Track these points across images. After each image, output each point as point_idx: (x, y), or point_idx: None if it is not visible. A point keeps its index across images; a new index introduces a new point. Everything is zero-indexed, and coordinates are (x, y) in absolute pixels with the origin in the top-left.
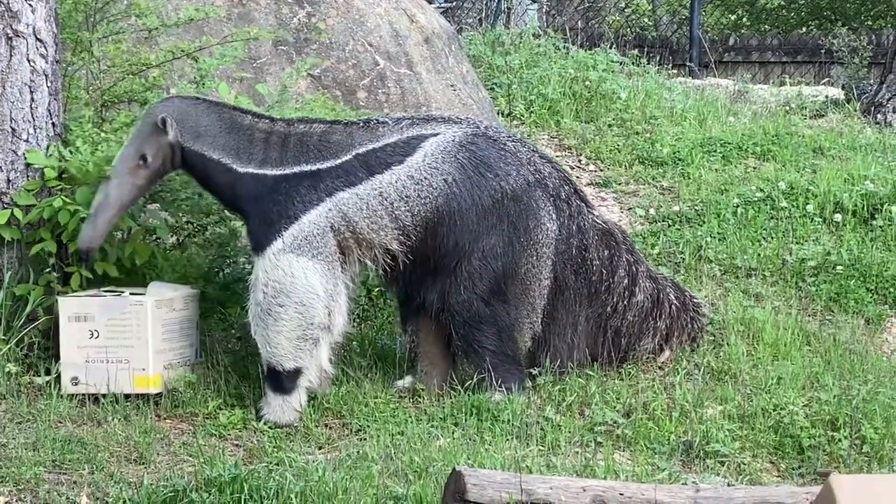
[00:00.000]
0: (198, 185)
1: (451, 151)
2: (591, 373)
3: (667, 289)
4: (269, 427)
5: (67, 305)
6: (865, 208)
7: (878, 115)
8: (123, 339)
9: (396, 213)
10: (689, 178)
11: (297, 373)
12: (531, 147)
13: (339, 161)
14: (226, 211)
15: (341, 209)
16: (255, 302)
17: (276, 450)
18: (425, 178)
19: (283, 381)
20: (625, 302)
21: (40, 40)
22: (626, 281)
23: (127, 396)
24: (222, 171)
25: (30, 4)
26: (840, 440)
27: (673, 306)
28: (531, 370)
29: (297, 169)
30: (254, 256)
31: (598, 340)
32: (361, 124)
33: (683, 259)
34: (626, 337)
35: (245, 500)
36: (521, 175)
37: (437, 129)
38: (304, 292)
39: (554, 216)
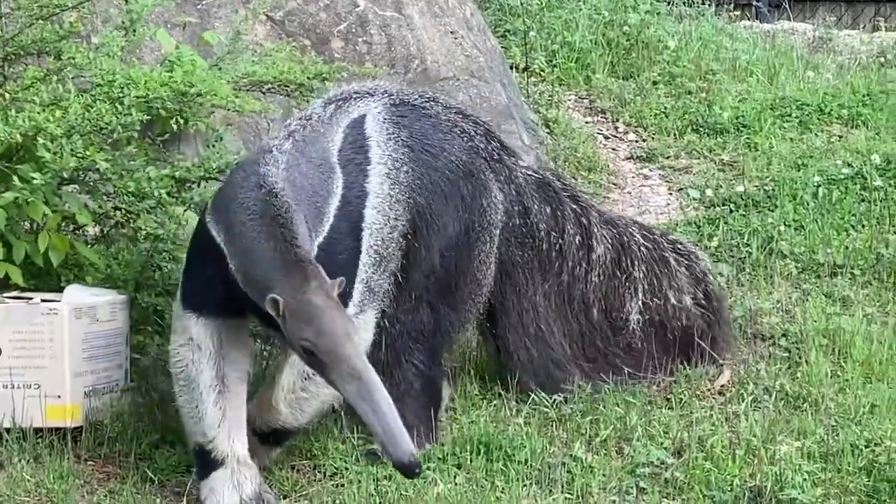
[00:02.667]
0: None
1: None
2: (631, 399)
3: (630, 229)
4: None
5: None
6: None
7: None
8: (33, 357)
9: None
10: (757, 151)
11: None
12: (444, 103)
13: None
14: (165, 194)
15: None
16: None
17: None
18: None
19: None
20: (584, 263)
21: None
22: (578, 237)
23: (38, 431)
24: None
25: None
26: None
27: (643, 248)
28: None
29: None
30: None
31: (568, 321)
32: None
33: (750, 254)
34: (599, 305)
35: None
36: (463, 144)
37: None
38: None
39: (497, 185)
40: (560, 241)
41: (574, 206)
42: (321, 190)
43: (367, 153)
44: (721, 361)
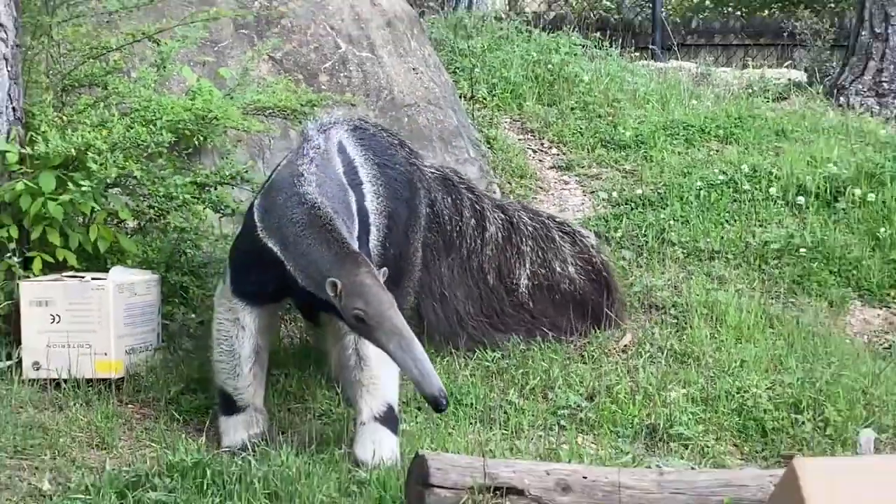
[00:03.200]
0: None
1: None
2: (554, 356)
3: (519, 213)
4: None
5: (29, 290)
6: (828, 191)
7: (841, 98)
8: (85, 323)
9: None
10: (652, 162)
11: None
12: (375, 123)
13: None
14: (188, 196)
15: None
16: None
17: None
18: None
19: None
20: (479, 240)
21: (0, 24)
22: (473, 220)
23: (89, 381)
24: None
25: None
26: (803, 423)
27: (530, 227)
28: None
29: None
30: None
31: (469, 287)
32: None
33: (647, 242)
34: (494, 273)
35: (207, 485)
36: (403, 155)
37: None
38: None
39: (420, 185)
40: (460, 223)
41: (470, 196)
42: (344, 206)
43: (358, 174)
44: (623, 326)
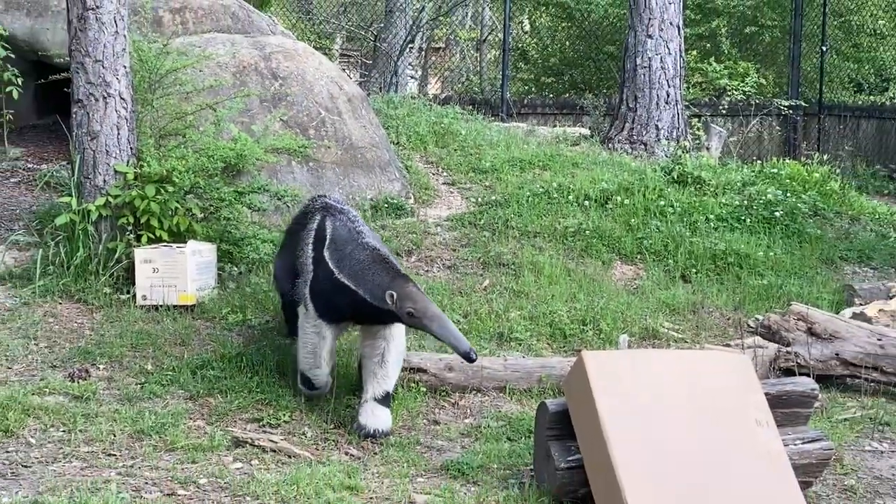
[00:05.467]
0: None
1: None
2: (444, 292)
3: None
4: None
5: (139, 254)
6: (602, 198)
7: (610, 145)
8: (172, 273)
9: None
10: (501, 181)
11: None
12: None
13: None
14: (232, 199)
15: None
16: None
17: (262, 336)
18: None
19: None
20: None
21: (123, 99)
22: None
23: (174, 306)
24: None
25: (117, 79)
26: (587, 331)
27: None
28: None
29: None
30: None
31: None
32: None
33: (498, 227)
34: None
35: (244, 367)
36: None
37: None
38: None
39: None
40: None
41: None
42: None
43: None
44: (485, 277)
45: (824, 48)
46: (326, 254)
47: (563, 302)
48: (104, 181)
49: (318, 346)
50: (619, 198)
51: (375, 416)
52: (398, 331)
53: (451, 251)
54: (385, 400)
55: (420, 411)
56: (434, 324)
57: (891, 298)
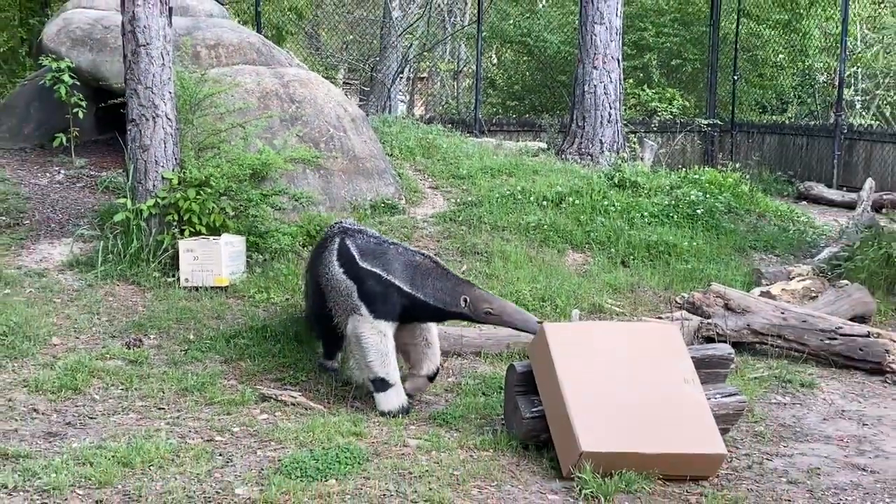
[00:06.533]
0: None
1: None
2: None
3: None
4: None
5: (182, 244)
6: (557, 199)
7: (563, 156)
8: (210, 260)
9: None
10: (475, 185)
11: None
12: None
13: None
14: (259, 200)
15: None
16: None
17: (283, 311)
18: None
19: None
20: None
21: (168, 119)
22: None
23: (211, 288)
24: None
25: (163, 102)
26: (546, 307)
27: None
28: None
29: None
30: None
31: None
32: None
33: (473, 222)
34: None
35: (269, 337)
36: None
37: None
38: None
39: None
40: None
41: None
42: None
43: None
44: (463, 263)
45: (735, 77)
46: (364, 263)
47: (526, 283)
48: (153, 185)
49: (381, 345)
50: (570, 199)
51: (415, 389)
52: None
53: (435, 242)
54: (433, 377)
55: None
56: (516, 318)
57: (791, 280)
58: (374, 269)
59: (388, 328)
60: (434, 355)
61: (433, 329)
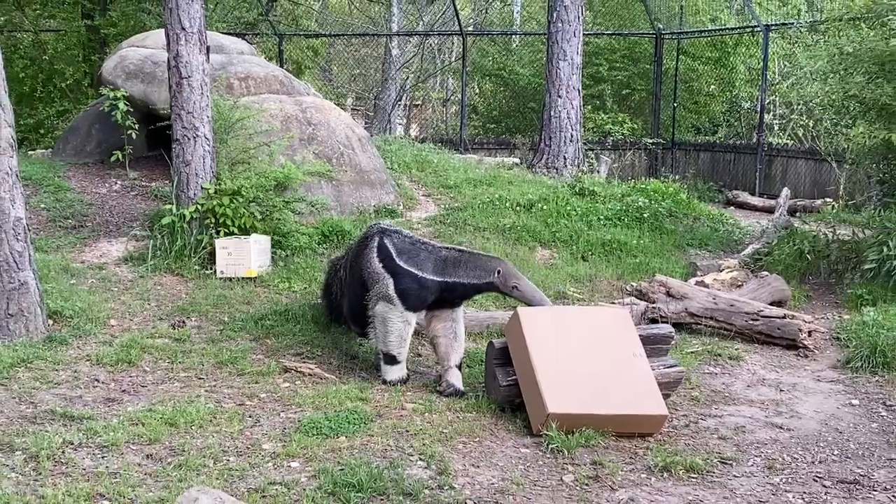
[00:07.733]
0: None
1: None
2: None
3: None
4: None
5: (218, 243)
6: (528, 205)
7: (533, 170)
8: (241, 256)
9: None
10: (462, 194)
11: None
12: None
13: None
14: (282, 205)
15: None
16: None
17: (302, 298)
18: None
19: None
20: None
21: (206, 138)
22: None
23: (242, 278)
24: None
25: (202, 125)
26: None
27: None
28: None
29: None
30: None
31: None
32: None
33: (459, 224)
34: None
35: (290, 319)
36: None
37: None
38: None
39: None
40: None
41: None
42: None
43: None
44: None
45: (675, 104)
46: (401, 261)
47: None
48: (194, 194)
49: (403, 330)
50: (539, 205)
51: (458, 379)
52: (460, 314)
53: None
54: (459, 366)
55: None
56: (535, 297)
57: (721, 271)
58: (409, 268)
59: (412, 317)
60: (460, 347)
61: (461, 325)
